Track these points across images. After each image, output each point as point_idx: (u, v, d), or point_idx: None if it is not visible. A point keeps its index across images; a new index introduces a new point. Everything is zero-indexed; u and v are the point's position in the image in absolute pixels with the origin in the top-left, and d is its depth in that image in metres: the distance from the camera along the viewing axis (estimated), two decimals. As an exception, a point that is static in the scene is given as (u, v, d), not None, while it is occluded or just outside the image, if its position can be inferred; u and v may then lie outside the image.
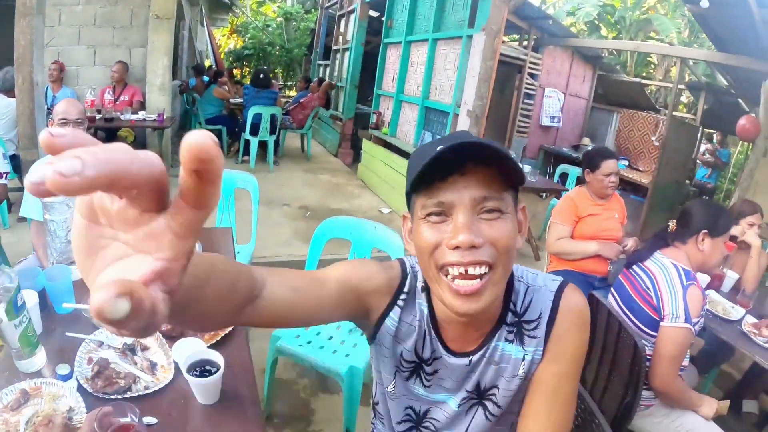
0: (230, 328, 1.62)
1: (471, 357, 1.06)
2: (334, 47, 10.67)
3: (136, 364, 1.42)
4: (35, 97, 3.85)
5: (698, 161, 8.97)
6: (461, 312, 0.91)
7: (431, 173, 0.88)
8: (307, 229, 4.79)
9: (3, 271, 1.33)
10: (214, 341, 1.55)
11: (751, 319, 2.57)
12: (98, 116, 5.55)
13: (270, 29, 18.04)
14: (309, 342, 2.43)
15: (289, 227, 5.06)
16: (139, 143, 6.49)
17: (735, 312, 2.66)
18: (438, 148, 0.84)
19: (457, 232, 0.87)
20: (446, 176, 0.89)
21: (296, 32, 17.61)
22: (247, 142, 7.30)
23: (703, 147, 9.08)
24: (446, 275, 0.91)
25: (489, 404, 1.10)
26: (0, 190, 3.37)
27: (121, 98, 6.27)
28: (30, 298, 1.50)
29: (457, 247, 0.87)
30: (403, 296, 1.09)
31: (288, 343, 2.34)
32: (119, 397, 1.31)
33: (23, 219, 5.05)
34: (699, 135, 8.91)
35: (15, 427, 1.22)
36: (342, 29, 10.17)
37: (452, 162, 0.87)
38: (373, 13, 9.23)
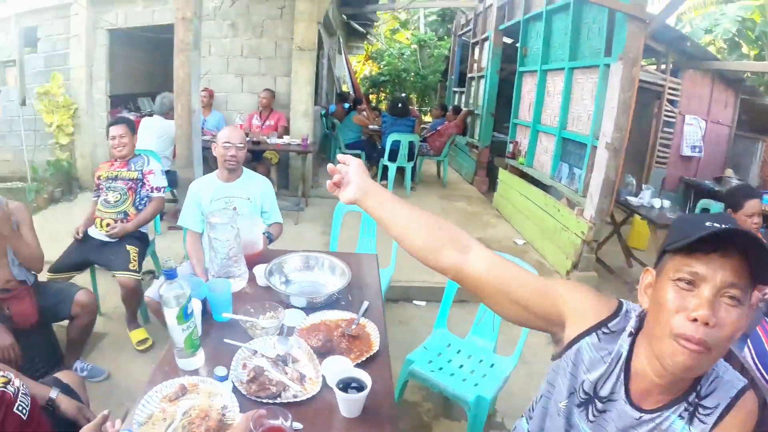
0: (375, 350, 1.72)
1: (643, 414, 1.08)
2: (469, 75, 10.71)
3: (286, 374, 1.53)
4: (192, 122, 4.25)
5: None
6: (672, 368, 0.99)
7: (696, 244, 0.95)
8: None
9: (178, 282, 1.52)
10: (359, 361, 1.64)
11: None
12: (246, 139, 5.95)
13: (404, 56, 18.50)
14: (440, 368, 2.45)
15: None
16: (283, 165, 6.92)
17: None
18: (713, 224, 0.94)
19: (701, 306, 0.94)
20: (709, 252, 0.96)
21: (430, 59, 17.85)
22: (386, 168, 7.50)
23: None
24: (675, 341, 0.97)
25: None
26: (159, 203, 3.72)
27: (267, 123, 6.71)
28: (195, 307, 1.68)
29: (695, 320, 0.94)
30: (605, 330, 1.14)
31: (421, 367, 2.38)
32: (270, 401, 1.42)
33: (174, 228, 5.59)
34: None
35: (171, 415, 1.39)
36: (476, 56, 10.16)
37: (718, 240, 0.94)
38: (507, 40, 9.18)
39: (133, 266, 3.31)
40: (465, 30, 11.28)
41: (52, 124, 7.45)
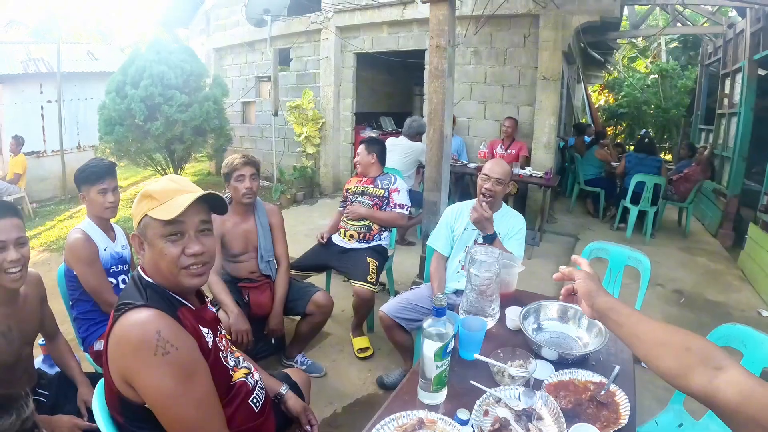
0: (622, 425, 1.53)
1: None
2: (718, 110, 9.45)
3: (528, 429, 1.46)
4: (443, 147, 4.37)
5: None
6: None
7: None
8: (680, 317, 4.35)
9: (443, 320, 1.54)
10: None
11: None
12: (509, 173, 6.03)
13: (645, 86, 17.17)
14: None
15: (660, 311, 4.56)
16: (521, 196, 6.84)
17: None
18: None
19: None
20: None
21: (672, 90, 16.29)
22: (626, 210, 7.00)
23: None
24: None
25: None
26: (398, 217, 3.86)
27: (510, 152, 6.69)
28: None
29: None
30: None
31: None
32: None
33: (408, 243, 5.81)
34: None
35: None
36: (726, 90, 8.96)
37: None
38: (763, 72, 8.11)
39: (371, 278, 3.47)
40: (712, 59, 10.14)
41: (301, 135, 8.31)
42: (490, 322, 2.10)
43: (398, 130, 6.39)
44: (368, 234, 3.78)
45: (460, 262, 2.96)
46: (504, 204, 3.05)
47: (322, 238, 3.84)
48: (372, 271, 3.50)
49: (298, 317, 3.22)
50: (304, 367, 3.24)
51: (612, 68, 16.84)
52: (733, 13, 8.65)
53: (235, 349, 1.74)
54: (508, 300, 2.28)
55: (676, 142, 11.78)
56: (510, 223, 2.96)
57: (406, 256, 4.86)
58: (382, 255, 3.78)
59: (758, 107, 7.46)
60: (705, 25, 10.16)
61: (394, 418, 1.50)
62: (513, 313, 2.09)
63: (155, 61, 7.69)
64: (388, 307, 2.94)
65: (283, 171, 8.25)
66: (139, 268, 1.48)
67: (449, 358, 1.58)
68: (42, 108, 11.10)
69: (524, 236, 2.97)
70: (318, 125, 8.39)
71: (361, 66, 8.44)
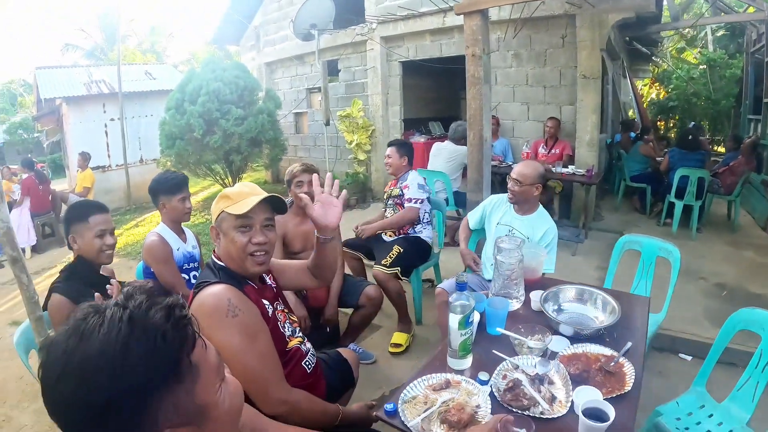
0: (626, 390, 1.75)
1: None
2: (765, 99, 9.32)
3: (540, 392, 1.69)
4: (484, 150, 4.64)
5: None
6: None
7: None
8: (719, 310, 4.32)
9: (466, 294, 1.85)
10: (609, 397, 1.69)
11: None
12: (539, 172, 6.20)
13: (693, 78, 16.63)
14: (687, 428, 2.31)
15: (701, 304, 4.58)
16: (566, 195, 6.95)
17: None
18: None
19: None
20: None
21: (721, 81, 15.75)
22: (671, 205, 6.98)
23: None
24: None
25: None
26: (409, 212, 4.05)
27: (553, 151, 6.84)
28: (474, 318, 1.96)
29: None
30: None
31: (667, 422, 2.28)
32: (519, 412, 1.60)
33: (457, 243, 6.03)
34: None
35: (432, 401, 1.68)
36: None
37: None
38: None
39: (386, 262, 3.76)
40: (757, 46, 9.93)
41: (352, 142, 8.68)
42: (516, 304, 2.37)
43: (446, 135, 6.62)
44: (400, 231, 4.09)
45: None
46: (540, 207, 3.24)
47: (362, 234, 4.11)
48: (390, 256, 3.79)
49: (351, 310, 3.51)
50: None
51: (660, 61, 16.53)
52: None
53: (294, 319, 2.09)
54: (534, 285, 2.52)
55: (727, 134, 11.48)
56: (540, 228, 3.14)
57: (453, 255, 5.11)
58: (414, 245, 4.03)
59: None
60: (750, 11, 9.93)
61: (426, 379, 1.80)
62: (536, 296, 2.35)
63: (211, 79, 8.19)
64: (444, 284, 3.27)
65: (336, 177, 8.56)
66: (213, 257, 1.87)
67: (471, 327, 1.88)
68: (105, 126, 12.10)
69: (555, 243, 3.14)
70: (368, 132, 8.73)
71: (406, 74, 8.69)
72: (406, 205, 4.08)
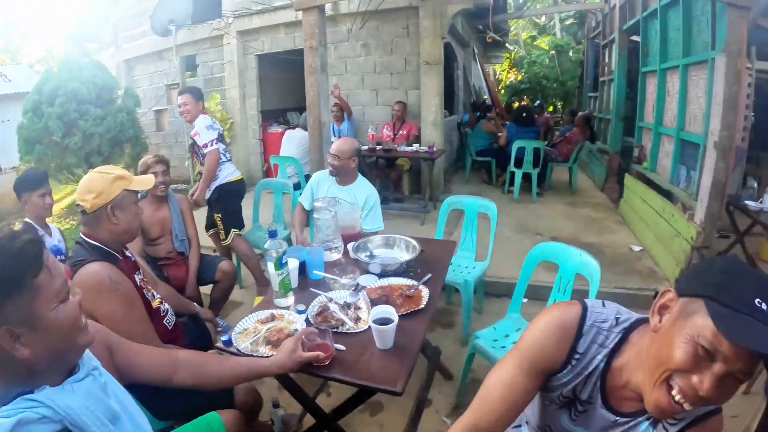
0: (421, 307, 2.14)
1: (619, 418, 1.21)
2: (601, 78, 10.52)
3: (347, 314, 2.06)
4: (323, 133, 4.97)
5: None
6: (654, 413, 1.10)
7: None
8: None
9: (277, 240, 2.18)
10: (404, 312, 2.06)
11: None
12: (378, 147, 6.69)
13: (545, 63, 18.46)
14: (503, 347, 2.70)
15: None
16: (415, 171, 7.45)
17: None
18: (757, 302, 0.94)
19: (709, 383, 0.97)
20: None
21: (568, 64, 17.74)
22: (513, 174, 7.73)
23: None
24: (669, 389, 1.03)
25: None
26: (210, 157, 4.12)
27: (400, 132, 7.29)
28: (292, 263, 2.31)
29: (696, 390, 0.99)
30: (576, 356, 1.22)
31: (484, 344, 2.70)
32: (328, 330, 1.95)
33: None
34: None
35: (259, 330, 2.00)
36: (606, 59, 10.01)
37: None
38: (637, 38, 8.89)
39: (221, 235, 4.22)
40: (596, 32, 11.12)
41: (212, 136, 8.64)
42: (335, 254, 2.73)
43: (304, 123, 6.96)
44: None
45: None
46: (360, 175, 3.61)
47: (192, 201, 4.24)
48: (218, 227, 4.27)
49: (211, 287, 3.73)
50: (219, 328, 3.75)
51: (513, 47, 17.88)
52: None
53: (149, 288, 2.34)
54: (354, 238, 2.88)
55: (566, 112, 12.69)
56: (361, 194, 3.50)
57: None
58: (226, 197, 4.31)
59: (631, 72, 8.23)
60: (590, 1, 11.04)
61: (255, 315, 2.12)
62: (351, 246, 2.72)
63: (68, 79, 7.89)
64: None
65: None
66: (82, 237, 2.08)
67: (287, 268, 2.21)
68: (-41, 133, 11.11)
69: (378, 206, 3.52)
70: (227, 126, 8.81)
71: (264, 66, 8.89)
72: (204, 152, 4.16)
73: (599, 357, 1.20)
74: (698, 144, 5.02)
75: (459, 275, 3.66)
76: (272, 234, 2.21)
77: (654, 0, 6.47)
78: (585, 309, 1.23)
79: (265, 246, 2.18)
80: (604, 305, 1.25)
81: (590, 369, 1.22)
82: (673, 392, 1.02)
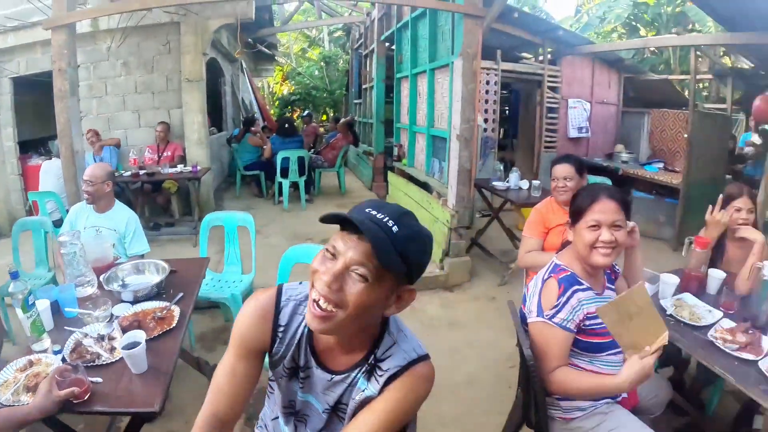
0: (172, 327, 2.29)
1: (334, 376, 1.34)
2: (364, 86, 11.35)
3: (102, 346, 2.15)
4: (76, 162, 4.77)
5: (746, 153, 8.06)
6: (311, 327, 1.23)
7: (343, 224, 1.19)
8: None
9: (20, 281, 2.17)
10: (155, 335, 2.22)
11: (728, 324, 2.28)
12: (141, 172, 6.46)
13: (315, 74, 19.33)
14: None
15: None
16: (183, 192, 7.28)
17: (710, 316, 2.37)
18: (371, 212, 1.17)
19: (327, 276, 1.15)
20: (352, 233, 1.17)
21: (336, 74, 18.72)
22: (281, 185, 8.04)
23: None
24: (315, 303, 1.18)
25: (340, 414, 1.40)
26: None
27: (165, 154, 7.16)
28: (41, 304, 2.31)
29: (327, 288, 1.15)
30: (281, 329, 1.36)
31: None
32: (85, 365, 2.01)
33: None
34: (734, 126, 8.72)
35: (18, 379, 1.96)
36: (368, 68, 10.78)
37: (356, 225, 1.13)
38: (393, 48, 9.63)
39: None
40: (359, 43, 11.94)
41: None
42: (89, 288, 2.76)
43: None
44: None
45: None
46: (116, 201, 3.56)
47: None
48: None
49: None
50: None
51: (284, 60, 18.37)
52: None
53: None
54: (107, 270, 2.86)
55: (330, 120, 13.57)
56: (121, 218, 3.46)
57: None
58: None
59: (389, 79, 9.01)
60: (355, 14, 11.80)
61: (13, 365, 2.06)
62: (103, 278, 2.74)
63: None
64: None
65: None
66: None
67: (36, 309, 2.21)
68: None
69: (141, 229, 3.52)
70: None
71: (21, 91, 7.90)
72: None
73: (303, 324, 1.35)
74: (445, 138, 5.81)
75: (226, 290, 3.81)
76: (14, 275, 2.19)
77: (406, 13, 7.36)
78: (280, 288, 1.41)
79: (9, 289, 2.16)
80: (300, 284, 1.43)
81: (298, 336, 1.36)
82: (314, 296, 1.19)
